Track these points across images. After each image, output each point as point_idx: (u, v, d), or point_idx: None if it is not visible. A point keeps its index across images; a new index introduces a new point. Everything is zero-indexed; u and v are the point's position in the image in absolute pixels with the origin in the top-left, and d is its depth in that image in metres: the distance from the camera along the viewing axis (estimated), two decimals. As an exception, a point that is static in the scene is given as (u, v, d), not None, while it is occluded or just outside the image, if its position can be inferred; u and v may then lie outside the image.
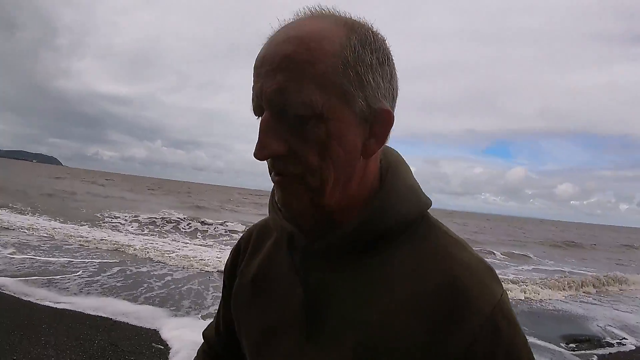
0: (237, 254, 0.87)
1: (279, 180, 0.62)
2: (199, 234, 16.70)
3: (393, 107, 0.64)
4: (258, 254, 0.81)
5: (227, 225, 18.77)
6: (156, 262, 9.76)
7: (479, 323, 0.57)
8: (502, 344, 0.58)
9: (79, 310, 5.74)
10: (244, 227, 17.39)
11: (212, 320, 0.99)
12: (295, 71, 0.57)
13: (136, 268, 8.85)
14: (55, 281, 7.08)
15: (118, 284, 7.39)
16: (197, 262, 9.96)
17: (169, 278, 8.37)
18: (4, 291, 6.18)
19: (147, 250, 10.87)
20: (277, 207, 0.72)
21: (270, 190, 0.74)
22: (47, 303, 5.88)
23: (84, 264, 8.63)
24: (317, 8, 0.62)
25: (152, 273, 8.61)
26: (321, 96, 0.57)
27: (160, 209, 22.57)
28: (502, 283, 0.64)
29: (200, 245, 13.61)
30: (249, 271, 0.80)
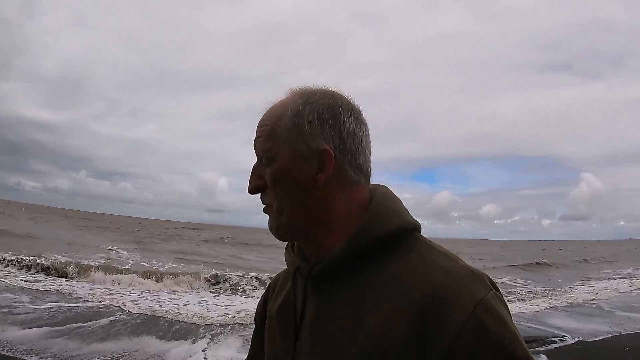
0: (267, 294, 0.99)
1: (264, 210, 0.83)
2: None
3: (339, 146, 0.78)
4: (279, 293, 0.93)
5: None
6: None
7: (460, 320, 0.61)
8: (489, 340, 0.60)
9: None
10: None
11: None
12: (260, 129, 0.82)
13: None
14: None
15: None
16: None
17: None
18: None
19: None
20: (290, 246, 0.89)
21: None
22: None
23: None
24: (302, 86, 0.83)
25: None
26: (273, 145, 0.79)
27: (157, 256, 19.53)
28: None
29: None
30: (274, 307, 0.91)
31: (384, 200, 0.80)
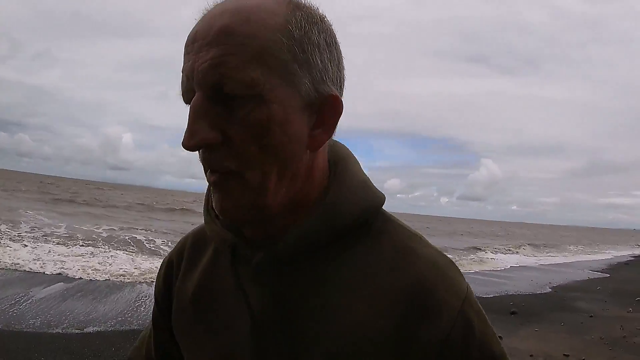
0: (170, 269, 0.76)
1: (214, 180, 0.55)
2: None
3: (341, 95, 0.58)
4: (195, 268, 0.71)
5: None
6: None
7: (450, 318, 0.54)
8: (475, 337, 0.55)
9: None
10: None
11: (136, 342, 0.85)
12: (233, 45, 0.50)
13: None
14: None
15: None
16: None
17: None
18: None
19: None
20: (215, 214, 0.64)
21: (205, 192, 0.66)
22: None
23: None
24: None
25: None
26: (262, 74, 0.50)
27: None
28: None
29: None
30: (186, 289, 0.70)
31: (351, 167, 0.63)
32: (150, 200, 42.76)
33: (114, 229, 16.15)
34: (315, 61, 0.54)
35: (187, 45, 0.54)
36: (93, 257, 10.08)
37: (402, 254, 0.59)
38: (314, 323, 0.57)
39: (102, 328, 5.38)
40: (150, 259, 10.83)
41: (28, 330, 5.05)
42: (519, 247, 26.26)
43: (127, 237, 14.29)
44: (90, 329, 5.29)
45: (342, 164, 0.63)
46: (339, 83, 0.58)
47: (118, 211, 26.10)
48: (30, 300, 6.24)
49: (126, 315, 6.03)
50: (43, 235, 12.52)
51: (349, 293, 0.57)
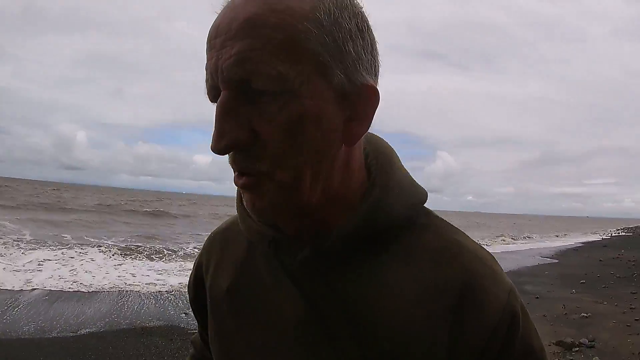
0: (199, 270, 0.75)
1: (243, 182, 0.53)
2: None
3: (377, 83, 0.55)
4: (227, 264, 0.69)
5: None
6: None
7: (498, 310, 0.54)
8: (519, 330, 0.56)
9: None
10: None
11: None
12: (258, 37, 0.47)
13: None
14: None
15: None
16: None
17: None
18: None
19: None
20: (244, 208, 0.61)
21: (236, 193, 0.64)
22: None
23: None
24: None
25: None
26: (292, 67, 0.48)
27: None
28: None
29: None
30: (219, 285, 0.68)
31: (396, 163, 0.62)
32: (112, 201, 41.78)
33: (82, 235, 15.88)
34: (348, 49, 0.51)
35: (209, 41, 0.51)
36: (67, 263, 10.04)
37: (448, 248, 0.58)
38: (367, 317, 0.56)
39: (94, 329, 5.68)
40: (126, 262, 10.93)
41: (24, 337, 5.27)
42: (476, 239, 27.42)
43: (98, 242, 14.10)
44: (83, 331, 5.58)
45: (385, 158, 0.62)
46: (374, 71, 0.55)
47: (83, 215, 25.54)
48: (19, 307, 6.45)
49: (113, 317, 6.31)
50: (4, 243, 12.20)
51: (399, 287, 0.56)
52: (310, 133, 0.50)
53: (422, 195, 0.63)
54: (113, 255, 11.92)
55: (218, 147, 0.50)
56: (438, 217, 0.64)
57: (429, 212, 0.63)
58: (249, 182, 0.53)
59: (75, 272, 9.29)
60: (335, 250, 0.57)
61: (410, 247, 0.59)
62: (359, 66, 0.52)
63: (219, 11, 0.52)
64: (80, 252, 11.68)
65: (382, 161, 0.62)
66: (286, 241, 0.60)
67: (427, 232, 0.60)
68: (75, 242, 14.01)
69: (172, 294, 8.02)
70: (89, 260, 10.69)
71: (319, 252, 0.58)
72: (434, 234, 0.60)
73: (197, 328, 0.87)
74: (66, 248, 12.33)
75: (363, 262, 0.58)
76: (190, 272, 0.79)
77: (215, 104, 0.51)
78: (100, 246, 13.21)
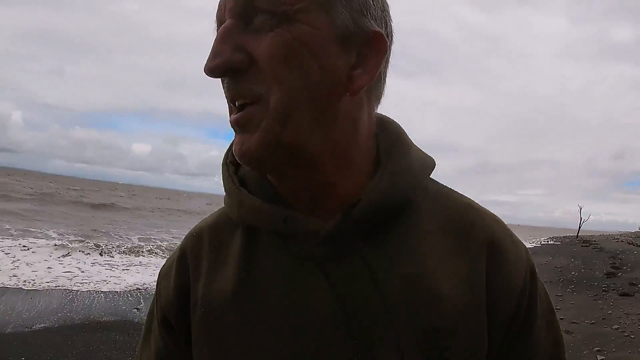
0: (184, 276, 0.61)
1: (236, 117, 0.50)
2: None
3: (389, 38, 0.54)
4: (223, 265, 0.59)
5: None
6: None
7: (522, 268, 0.57)
8: (539, 286, 0.59)
9: None
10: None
11: None
12: None
13: None
14: None
15: None
16: None
17: None
18: None
19: None
20: (238, 188, 0.57)
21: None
22: None
23: None
24: None
25: None
26: None
27: None
28: None
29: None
30: (218, 291, 0.57)
31: (405, 134, 0.61)
32: (48, 189, 39.72)
33: (23, 227, 15.03)
34: None
35: None
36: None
37: (466, 213, 0.59)
38: (407, 294, 0.52)
39: (48, 324, 5.70)
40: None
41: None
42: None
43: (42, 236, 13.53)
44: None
45: (398, 129, 0.61)
46: (383, 24, 0.53)
47: (22, 204, 23.99)
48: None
49: (65, 312, 6.30)
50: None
51: (428, 257, 0.54)
52: (307, 63, 0.48)
53: (433, 163, 0.62)
54: (57, 249, 11.57)
55: (212, 65, 0.48)
56: (444, 185, 0.63)
57: (435, 181, 0.63)
58: (242, 116, 0.50)
59: (17, 267, 9.04)
60: (367, 220, 0.53)
61: (431, 214, 0.58)
62: (366, 12, 0.51)
63: None
64: (23, 245, 11.28)
65: (397, 131, 0.61)
66: (301, 219, 0.54)
67: (440, 199, 0.60)
68: (17, 233, 13.46)
69: (123, 289, 8.06)
70: (32, 253, 10.40)
71: (346, 225, 0.53)
72: (447, 200, 0.60)
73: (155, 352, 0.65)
74: (9, 239, 11.92)
75: (389, 232, 0.55)
76: (160, 281, 0.65)
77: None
78: (45, 239, 12.82)
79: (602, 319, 6.70)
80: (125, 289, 8.19)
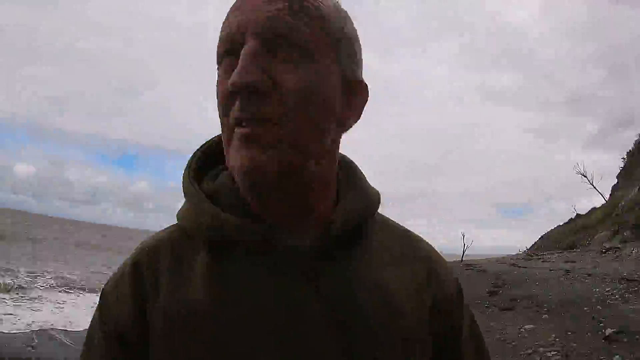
0: (140, 283, 0.59)
1: (247, 132, 0.52)
2: None
3: None
4: (187, 280, 0.58)
5: None
6: None
7: (454, 283, 0.70)
8: (464, 300, 0.71)
9: None
10: None
11: None
12: (310, 8, 0.54)
13: None
14: None
15: None
16: None
17: None
18: None
19: None
20: (208, 202, 0.58)
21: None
22: None
23: None
24: None
25: None
26: (320, 36, 0.54)
27: None
28: None
29: None
30: (185, 305, 0.56)
31: (357, 167, 0.70)
32: None
33: None
34: (355, 49, 0.60)
35: (236, 7, 0.55)
36: None
37: (408, 236, 0.70)
38: (372, 301, 0.59)
39: None
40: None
41: None
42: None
43: None
44: None
45: (352, 163, 0.70)
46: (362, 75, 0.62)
47: None
48: None
49: None
50: None
51: (385, 270, 0.62)
52: (321, 99, 0.54)
53: (379, 194, 0.68)
54: None
55: (239, 82, 0.50)
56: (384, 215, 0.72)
57: (379, 212, 0.70)
58: (256, 130, 0.51)
59: None
60: (341, 236, 0.59)
61: (383, 235, 0.66)
62: (359, 64, 0.61)
63: None
64: None
65: (352, 164, 0.69)
66: (282, 236, 0.57)
67: (387, 224, 0.70)
68: None
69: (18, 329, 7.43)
70: None
71: (329, 238, 0.58)
72: (392, 226, 0.70)
73: None
74: None
75: (357, 249, 0.61)
76: (107, 295, 0.61)
77: (221, 63, 0.55)
78: None
79: (487, 331, 7.53)
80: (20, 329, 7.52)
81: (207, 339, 0.55)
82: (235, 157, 0.54)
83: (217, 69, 0.57)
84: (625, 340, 5.43)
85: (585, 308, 7.51)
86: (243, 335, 0.55)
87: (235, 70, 0.51)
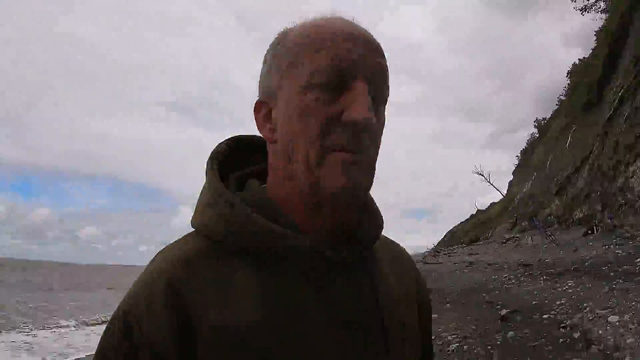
0: (179, 298, 0.55)
1: (351, 159, 0.58)
2: None
3: None
4: (234, 292, 0.57)
5: None
6: None
7: (426, 288, 0.84)
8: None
9: None
10: None
11: None
12: (386, 66, 0.63)
13: None
14: None
15: None
16: None
17: None
18: None
19: None
20: (262, 217, 0.59)
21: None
22: None
23: None
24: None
25: None
26: (388, 88, 0.64)
27: None
28: None
29: None
30: (238, 320, 0.55)
31: None
32: None
33: None
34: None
35: (339, 31, 0.60)
36: None
37: (395, 246, 0.81)
38: (392, 305, 0.68)
39: None
40: None
41: None
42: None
43: None
44: None
45: None
46: None
47: None
48: None
49: None
50: None
51: (392, 272, 0.73)
52: (381, 135, 0.65)
53: None
54: None
55: (367, 117, 0.57)
56: None
57: None
58: (357, 157, 0.59)
59: None
60: (367, 248, 0.67)
61: (383, 252, 0.74)
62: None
63: (315, 18, 0.64)
64: None
65: None
66: (327, 245, 0.61)
67: (385, 241, 0.79)
68: None
69: None
70: None
71: (359, 249, 0.65)
72: (389, 243, 0.81)
73: None
74: None
75: (373, 259, 0.70)
76: (135, 313, 0.55)
77: (321, 89, 0.59)
78: None
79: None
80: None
81: (260, 354, 0.56)
82: (335, 178, 0.58)
83: (307, 89, 0.59)
84: (518, 319, 5.84)
85: (484, 294, 7.94)
86: (296, 349, 0.57)
87: (356, 106, 0.58)
